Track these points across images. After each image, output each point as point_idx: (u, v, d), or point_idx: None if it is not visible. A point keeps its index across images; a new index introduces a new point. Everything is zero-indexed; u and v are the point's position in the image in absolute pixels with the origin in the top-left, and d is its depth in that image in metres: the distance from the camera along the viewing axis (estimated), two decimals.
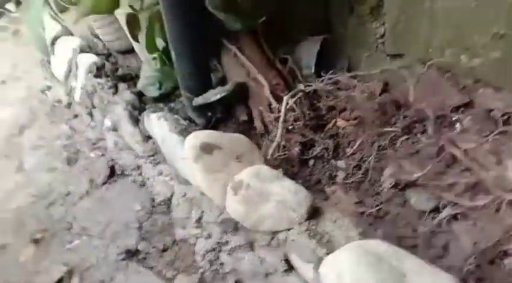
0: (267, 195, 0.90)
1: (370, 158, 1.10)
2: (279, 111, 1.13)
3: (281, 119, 1.03)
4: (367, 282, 0.67)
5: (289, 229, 0.90)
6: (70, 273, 1.22)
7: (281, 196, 0.89)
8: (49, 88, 2.20)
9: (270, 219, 0.90)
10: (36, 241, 1.35)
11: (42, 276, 1.22)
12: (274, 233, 0.93)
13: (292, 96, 1.10)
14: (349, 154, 1.16)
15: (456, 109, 1.10)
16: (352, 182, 1.11)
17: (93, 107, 1.77)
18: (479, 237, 0.93)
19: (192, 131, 1.14)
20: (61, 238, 1.34)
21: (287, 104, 1.04)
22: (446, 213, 0.98)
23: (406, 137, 1.10)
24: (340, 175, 1.15)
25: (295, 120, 1.14)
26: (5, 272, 1.26)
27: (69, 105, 2.03)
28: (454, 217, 0.98)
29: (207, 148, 1.04)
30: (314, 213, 0.92)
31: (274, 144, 1.06)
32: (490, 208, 0.94)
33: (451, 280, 0.69)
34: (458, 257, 0.92)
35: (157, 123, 1.25)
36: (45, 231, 1.38)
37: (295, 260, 0.94)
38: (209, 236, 1.13)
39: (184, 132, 1.16)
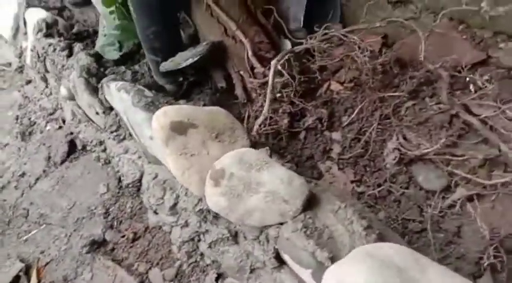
0: (254, 185, 0.73)
1: (370, 129, 0.94)
2: (264, 76, 0.94)
3: (269, 89, 0.85)
4: None
5: (281, 224, 0.75)
6: (28, 269, 1.06)
7: (271, 187, 0.72)
8: None
9: (258, 213, 0.74)
10: None
11: None
12: (264, 227, 0.78)
13: (280, 60, 0.91)
14: (345, 124, 0.99)
15: (472, 67, 0.93)
16: (349, 157, 0.96)
17: (47, 71, 1.53)
18: (498, 222, 0.80)
19: (160, 105, 0.95)
20: (16, 228, 1.17)
21: (275, 70, 0.85)
22: (459, 193, 0.84)
23: (412, 102, 0.94)
24: (336, 149, 0.99)
25: (284, 87, 0.96)
26: None
27: (20, 68, 1.77)
28: (469, 198, 0.85)
29: (179, 128, 0.86)
30: (310, 202, 0.76)
31: (261, 118, 0.88)
32: (511, 187, 0.81)
33: None
34: (474, 245, 0.80)
35: (117, 95, 1.04)
36: None
37: (289, 261, 0.80)
38: (186, 224, 0.98)
39: (151, 107, 0.96)
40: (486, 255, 0.76)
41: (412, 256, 0.60)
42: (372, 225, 0.72)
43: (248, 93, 1.01)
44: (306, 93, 1.04)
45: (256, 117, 0.93)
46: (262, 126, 0.91)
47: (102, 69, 1.27)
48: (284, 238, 0.73)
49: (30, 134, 1.48)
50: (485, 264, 0.76)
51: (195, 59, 0.99)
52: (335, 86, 1.05)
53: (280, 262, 0.85)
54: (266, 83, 0.94)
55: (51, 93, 1.55)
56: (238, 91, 1.01)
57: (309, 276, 0.71)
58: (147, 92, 1.01)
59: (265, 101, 0.89)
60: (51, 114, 1.52)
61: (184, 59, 1.01)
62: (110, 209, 1.13)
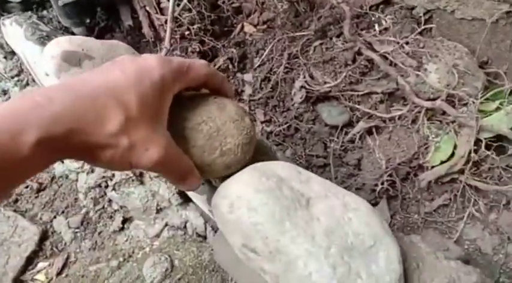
0: None
1: (279, 69, 0.94)
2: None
3: (169, 17, 0.81)
4: (265, 211, 0.53)
5: None
6: None
7: None
8: None
9: None
10: None
11: None
12: None
13: None
14: (257, 65, 0.98)
15: (376, 7, 0.95)
16: (259, 98, 0.95)
17: None
18: (393, 152, 0.83)
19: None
20: None
21: None
22: (359, 127, 0.87)
23: (320, 41, 0.94)
24: (247, 90, 0.98)
25: (192, 23, 0.92)
26: None
27: None
28: (369, 131, 0.87)
29: (73, 59, 0.80)
30: None
31: (163, 52, 0.85)
32: (407, 119, 0.84)
33: (361, 203, 0.57)
34: (371, 175, 0.83)
35: (11, 30, 0.96)
36: None
37: (189, 193, 0.78)
38: (92, 170, 0.94)
39: (45, 41, 0.89)
40: (380, 182, 0.80)
41: (296, 170, 0.60)
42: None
43: (156, 30, 0.97)
44: (220, 35, 1.02)
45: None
46: None
47: (5, 14, 1.17)
48: None
49: None
50: (380, 190, 0.79)
51: None
52: (248, 27, 1.03)
53: (185, 198, 0.84)
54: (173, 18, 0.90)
55: None
56: (145, 29, 0.96)
57: (204, 202, 0.70)
58: (43, 26, 0.93)
59: (171, 35, 0.86)
60: None
61: None
62: None
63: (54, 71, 0.80)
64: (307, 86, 0.90)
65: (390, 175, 0.80)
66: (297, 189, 0.57)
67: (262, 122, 0.95)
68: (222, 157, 0.52)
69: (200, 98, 0.51)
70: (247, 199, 0.54)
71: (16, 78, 1.08)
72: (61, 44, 0.81)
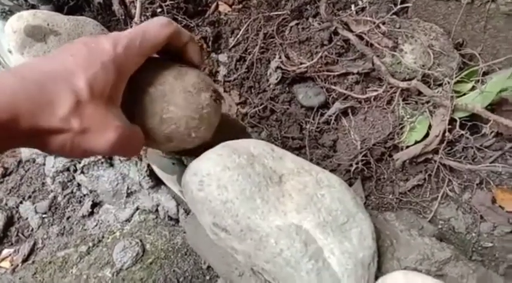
0: None
1: (255, 49, 0.91)
2: None
3: None
4: (236, 188, 0.51)
5: None
6: None
7: None
8: None
9: None
10: None
11: None
12: None
13: None
14: (232, 45, 0.95)
15: None
16: (234, 79, 0.93)
17: None
18: (368, 133, 0.82)
19: None
20: None
21: None
22: (335, 108, 0.85)
23: (296, 22, 0.92)
24: (222, 71, 0.95)
25: (163, 1, 0.89)
26: None
27: None
28: (344, 112, 0.86)
29: (37, 34, 0.76)
30: None
31: (133, 27, 0.81)
32: (383, 100, 0.84)
33: (334, 180, 0.56)
34: (346, 155, 0.82)
35: None
36: None
37: (159, 173, 0.76)
38: None
39: (8, 16, 0.85)
40: (355, 162, 0.79)
41: (270, 147, 0.58)
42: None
43: (127, 8, 0.93)
44: (193, 14, 0.99)
45: None
46: None
47: None
48: (152, 151, 0.69)
49: None
50: (354, 171, 0.78)
51: None
52: (223, 7, 1.00)
53: (156, 181, 0.82)
54: None
55: None
56: (116, 6, 0.92)
57: (175, 182, 0.67)
58: (6, 1, 0.88)
59: (141, 13, 0.82)
60: None
61: None
62: None
63: (17, 46, 0.76)
64: (283, 67, 0.88)
65: (365, 155, 0.80)
66: (270, 166, 0.56)
67: (237, 104, 0.93)
68: (161, 125, 0.48)
69: (164, 64, 0.48)
70: (217, 176, 0.52)
71: None
72: (24, 18, 0.76)
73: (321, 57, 0.86)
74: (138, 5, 0.78)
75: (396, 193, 0.79)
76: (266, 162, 0.56)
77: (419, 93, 0.81)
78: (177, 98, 0.48)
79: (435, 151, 0.77)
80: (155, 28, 0.44)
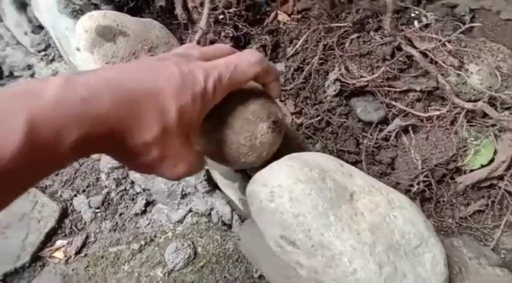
0: None
1: (313, 60, 0.91)
2: None
3: None
4: (308, 202, 0.51)
5: None
6: None
7: None
8: None
9: None
10: None
11: None
12: None
13: None
14: (290, 55, 0.96)
15: (418, 3, 0.92)
16: (291, 89, 0.93)
17: None
18: (430, 153, 0.81)
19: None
20: None
21: None
22: (395, 124, 0.84)
23: (357, 35, 0.92)
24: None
25: (226, 7, 0.90)
26: None
27: None
28: (405, 130, 0.85)
29: (107, 33, 0.78)
30: None
31: (198, 33, 0.82)
32: (446, 120, 0.82)
33: (405, 201, 0.55)
34: (406, 175, 0.80)
35: (42, 3, 0.94)
36: None
37: (218, 179, 0.76)
38: None
39: (78, 15, 0.87)
40: (416, 182, 0.77)
41: (338, 162, 0.58)
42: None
43: (189, 13, 0.95)
44: (252, 22, 0.99)
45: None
46: (200, 44, 0.85)
47: None
48: None
49: None
50: (415, 191, 0.77)
51: None
52: (282, 16, 1.01)
53: (213, 186, 0.82)
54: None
55: None
56: (178, 10, 0.94)
57: (236, 189, 0.68)
58: (76, 0, 0.91)
59: (207, 19, 0.83)
60: None
61: None
62: None
63: (87, 45, 0.78)
64: (342, 79, 0.87)
65: (426, 176, 0.78)
66: (340, 182, 0.55)
67: (292, 114, 0.92)
68: (215, 144, 0.49)
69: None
70: (289, 188, 0.52)
71: (43, 53, 1.06)
72: (95, 18, 0.78)
73: (383, 72, 0.85)
74: (205, 10, 0.80)
75: (456, 218, 0.77)
76: (337, 177, 0.56)
77: (485, 115, 0.79)
78: (234, 122, 0.49)
79: (500, 177, 0.74)
80: (246, 64, 0.44)
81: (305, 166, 0.54)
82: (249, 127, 0.50)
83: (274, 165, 0.57)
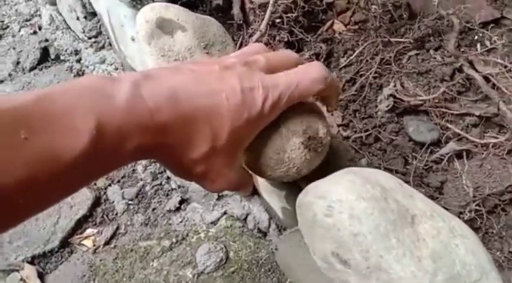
0: None
1: (368, 72, 0.88)
2: None
3: (271, 1, 0.77)
4: (369, 222, 0.48)
5: None
6: None
7: None
8: None
9: None
10: None
11: None
12: None
13: None
14: (342, 65, 0.93)
15: (483, 25, 0.89)
16: (341, 100, 0.90)
17: None
18: (483, 181, 0.77)
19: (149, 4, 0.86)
20: None
21: None
22: (449, 148, 0.80)
23: (416, 52, 0.89)
24: None
25: (285, 12, 0.88)
26: None
27: None
28: (458, 155, 0.81)
29: (166, 26, 0.77)
30: None
31: (257, 35, 0.81)
32: (503, 148, 0.78)
33: (467, 230, 0.51)
34: (455, 201, 0.76)
35: None
36: None
37: (261, 185, 0.74)
38: None
39: (138, 5, 0.87)
40: (467, 210, 0.73)
41: (398, 181, 0.55)
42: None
43: (246, 13, 0.94)
44: (307, 29, 0.97)
45: (251, 36, 0.86)
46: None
47: None
48: None
49: (0, 37, 1.35)
50: (466, 219, 0.73)
51: None
52: (338, 26, 0.98)
53: (253, 190, 0.80)
54: (267, 3, 0.86)
55: None
56: (235, 10, 0.93)
57: (281, 197, 0.65)
58: None
59: (263, 20, 0.82)
60: (27, 20, 1.39)
61: None
62: None
63: (146, 36, 0.77)
64: (396, 95, 0.84)
65: (477, 205, 0.74)
66: (402, 203, 0.52)
67: (339, 125, 0.90)
68: (247, 153, 0.49)
69: None
70: (350, 205, 0.49)
71: (93, 40, 1.06)
72: (157, 9, 0.78)
73: (440, 92, 0.81)
74: (268, 13, 0.78)
75: (505, 252, 0.73)
76: (398, 198, 0.53)
77: None
78: (267, 133, 0.47)
79: None
80: (308, 83, 0.43)
81: (367, 183, 0.52)
82: (280, 140, 0.48)
83: (332, 178, 0.54)
